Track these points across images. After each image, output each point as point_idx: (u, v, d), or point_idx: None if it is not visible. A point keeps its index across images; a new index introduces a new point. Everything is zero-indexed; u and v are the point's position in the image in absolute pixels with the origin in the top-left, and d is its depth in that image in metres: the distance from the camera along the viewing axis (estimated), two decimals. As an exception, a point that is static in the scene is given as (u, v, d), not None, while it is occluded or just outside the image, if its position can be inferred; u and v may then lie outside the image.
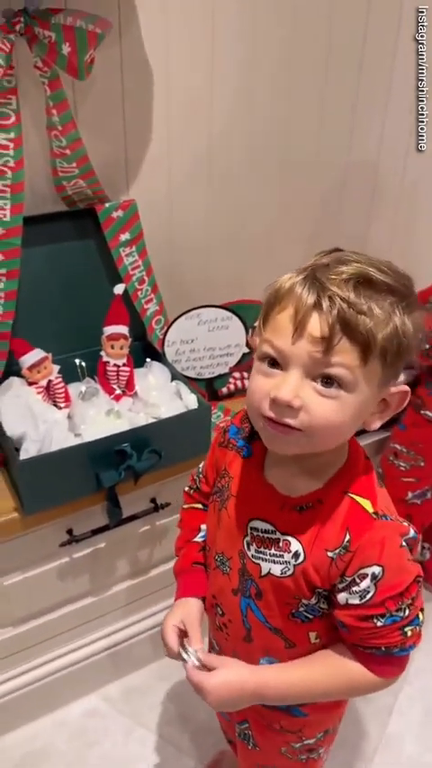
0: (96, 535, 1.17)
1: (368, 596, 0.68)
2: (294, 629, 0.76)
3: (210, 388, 1.35)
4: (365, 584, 0.68)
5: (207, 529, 0.87)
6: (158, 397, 1.17)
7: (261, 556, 0.74)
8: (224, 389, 1.36)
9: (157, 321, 1.27)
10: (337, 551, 0.69)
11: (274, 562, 0.73)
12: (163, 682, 1.42)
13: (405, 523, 0.71)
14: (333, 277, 0.62)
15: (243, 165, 1.32)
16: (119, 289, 1.17)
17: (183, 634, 0.81)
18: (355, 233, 1.56)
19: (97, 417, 1.12)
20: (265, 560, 0.74)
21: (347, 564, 0.68)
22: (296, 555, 0.71)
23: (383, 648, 0.71)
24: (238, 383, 1.37)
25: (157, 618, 1.37)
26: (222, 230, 1.36)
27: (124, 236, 1.18)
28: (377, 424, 0.69)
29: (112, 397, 1.18)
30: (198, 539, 0.89)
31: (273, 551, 0.73)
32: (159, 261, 1.26)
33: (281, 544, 0.72)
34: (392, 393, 0.67)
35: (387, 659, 0.72)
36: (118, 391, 1.19)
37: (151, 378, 1.21)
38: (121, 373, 1.19)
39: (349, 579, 0.69)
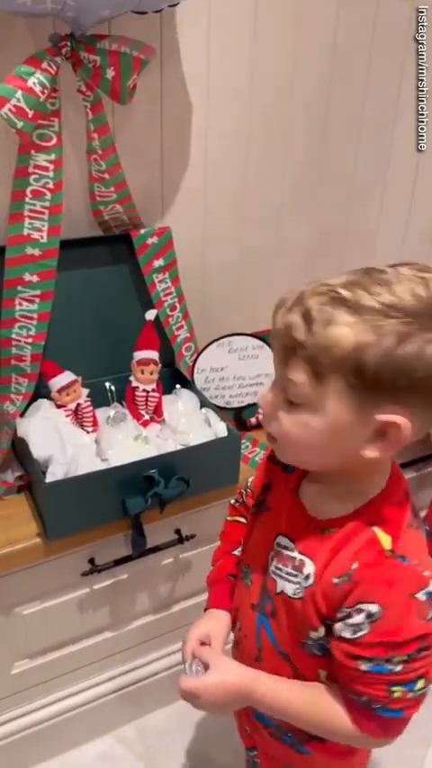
0: (118, 566, 1.13)
1: (359, 634, 0.65)
2: (303, 661, 0.74)
3: (238, 418, 1.32)
4: (359, 619, 0.65)
5: (243, 541, 0.86)
6: (187, 424, 1.15)
7: (279, 572, 0.74)
8: (252, 419, 1.33)
9: (188, 348, 1.26)
10: (342, 579, 0.66)
11: (288, 581, 0.72)
12: (182, 723, 1.35)
13: (428, 574, 0.65)
14: (312, 290, 0.61)
15: (278, 198, 1.32)
16: (150, 314, 1.16)
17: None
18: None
19: (125, 442, 1.10)
20: (281, 577, 0.73)
21: (347, 594, 0.66)
22: (307, 577, 0.70)
23: (365, 699, 0.67)
24: (267, 414, 1.34)
25: (178, 656, 1.32)
26: (255, 260, 1.36)
27: (158, 263, 1.17)
28: (374, 454, 0.63)
29: (141, 422, 1.16)
30: (236, 552, 0.88)
31: (289, 569, 0.72)
32: (191, 288, 1.26)
33: (297, 563, 0.71)
34: (383, 422, 0.60)
35: (367, 713, 0.68)
36: (146, 417, 1.17)
37: (180, 404, 1.19)
38: (150, 399, 1.17)
39: (347, 611, 0.66)
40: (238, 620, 0.83)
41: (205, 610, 0.87)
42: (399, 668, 0.65)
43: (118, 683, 1.30)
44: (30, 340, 1.06)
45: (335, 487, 0.70)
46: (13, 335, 1.05)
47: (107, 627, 1.23)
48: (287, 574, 0.73)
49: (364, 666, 0.66)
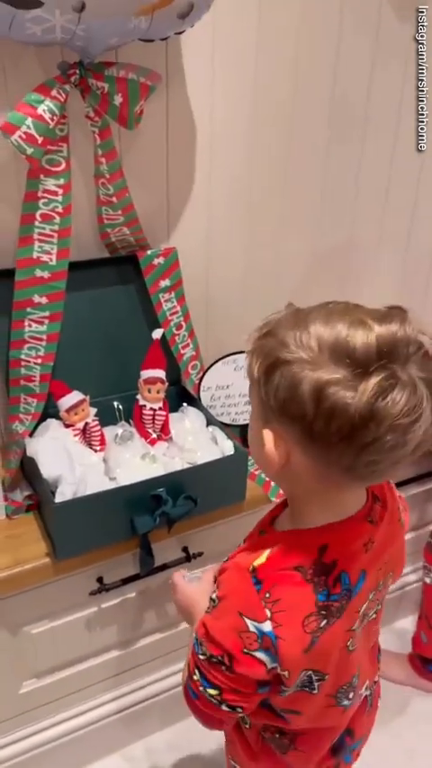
0: (126, 584, 1.14)
1: (207, 610, 0.74)
2: None
3: (244, 435, 1.32)
4: (213, 595, 0.73)
5: None
6: (194, 442, 1.16)
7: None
8: (258, 437, 1.34)
9: (194, 366, 1.27)
10: (224, 563, 0.76)
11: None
12: (190, 741, 1.35)
13: (268, 614, 0.66)
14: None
15: (281, 217, 1.34)
16: (157, 333, 1.17)
17: None
18: (387, 278, 1.56)
19: (132, 461, 1.11)
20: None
21: (219, 573, 0.75)
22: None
23: (188, 659, 0.76)
24: (273, 431, 1.35)
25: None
26: (259, 280, 1.37)
27: (164, 283, 1.19)
28: (265, 468, 0.71)
29: (148, 441, 1.17)
30: None
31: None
32: (197, 307, 1.27)
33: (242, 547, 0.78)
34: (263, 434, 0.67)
35: (187, 672, 0.76)
36: (153, 435, 1.17)
37: (187, 422, 1.20)
38: (156, 417, 1.18)
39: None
40: None
41: None
42: (202, 657, 0.71)
43: (126, 702, 1.30)
44: (39, 360, 1.07)
45: (289, 508, 0.76)
46: (23, 356, 1.06)
47: (115, 645, 1.23)
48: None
49: (193, 634, 0.75)
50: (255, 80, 1.18)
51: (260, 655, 0.67)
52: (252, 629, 0.66)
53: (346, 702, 0.81)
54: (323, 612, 0.68)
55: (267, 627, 0.66)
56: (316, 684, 0.74)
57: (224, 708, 0.71)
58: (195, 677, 0.72)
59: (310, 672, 0.72)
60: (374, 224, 1.47)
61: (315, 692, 0.74)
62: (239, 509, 1.16)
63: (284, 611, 0.66)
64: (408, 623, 1.64)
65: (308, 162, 1.31)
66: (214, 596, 0.72)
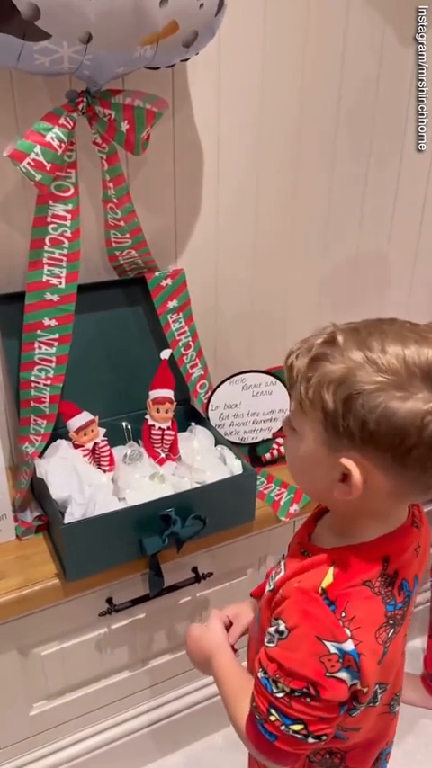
0: (136, 605, 1.13)
1: (270, 645, 0.69)
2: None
3: (253, 454, 1.33)
4: (272, 630, 0.68)
5: None
6: (203, 461, 1.16)
7: (273, 573, 0.78)
8: (267, 455, 1.34)
9: (202, 385, 1.28)
10: (281, 592, 0.70)
11: (272, 578, 0.76)
12: (200, 765, 1.34)
13: (348, 633, 0.64)
14: (326, 328, 0.66)
15: (289, 238, 1.35)
16: (165, 354, 1.18)
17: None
18: (395, 300, 1.56)
19: (141, 481, 1.11)
20: (271, 577, 0.78)
21: (278, 605, 0.70)
22: (272, 583, 0.75)
23: (254, 704, 0.70)
24: (282, 449, 1.35)
25: (195, 696, 1.31)
26: (265, 301, 1.38)
27: (172, 304, 1.20)
28: (340, 495, 0.66)
29: (157, 460, 1.17)
30: None
31: (273, 573, 0.77)
32: (205, 327, 1.28)
33: (278, 569, 0.76)
34: (343, 465, 0.63)
35: (252, 718, 0.70)
36: (162, 455, 1.18)
37: (195, 442, 1.20)
38: (165, 437, 1.18)
39: (272, 620, 0.70)
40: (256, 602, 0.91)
41: (251, 595, 0.95)
42: (279, 695, 0.66)
43: (136, 724, 1.29)
44: (48, 382, 1.08)
45: (332, 522, 0.75)
46: (33, 378, 1.07)
47: (125, 666, 1.22)
48: (273, 575, 0.78)
49: (260, 674, 0.69)
50: (261, 105, 1.20)
51: (343, 675, 0.65)
52: (333, 650, 0.64)
53: (396, 709, 0.80)
54: (391, 622, 0.68)
55: (350, 646, 0.64)
56: (379, 696, 0.73)
57: (310, 740, 0.67)
58: (273, 718, 0.67)
59: (376, 684, 0.70)
60: (384, 234, 1.48)
61: (377, 704, 0.74)
62: (249, 529, 1.16)
63: (360, 627, 0.65)
64: (419, 643, 1.62)
65: (315, 185, 1.33)
66: (282, 628, 0.67)
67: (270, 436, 1.32)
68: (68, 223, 1.01)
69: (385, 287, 1.53)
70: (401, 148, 1.39)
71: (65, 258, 1.02)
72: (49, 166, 0.94)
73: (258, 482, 1.24)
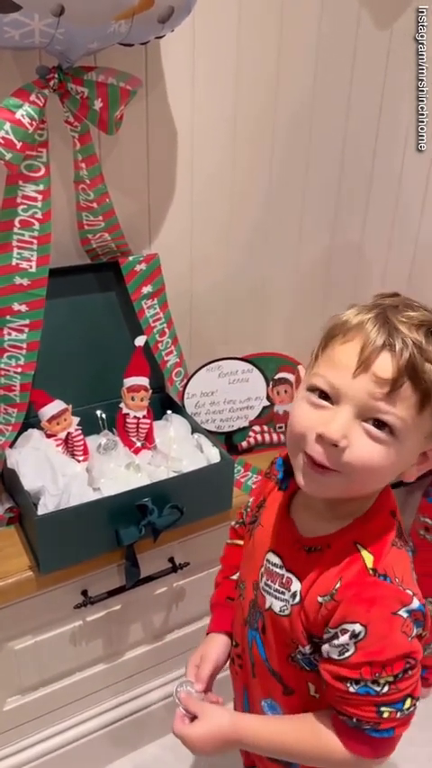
0: (112, 597, 1.12)
1: (346, 654, 0.66)
2: (293, 675, 0.74)
3: (229, 442, 1.32)
4: (345, 639, 0.65)
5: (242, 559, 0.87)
6: (179, 450, 1.14)
7: (268, 589, 0.74)
8: (244, 443, 1.33)
9: (177, 373, 1.26)
10: (325, 598, 0.67)
11: (276, 597, 0.73)
12: (178, 755, 1.33)
13: (410, 592, 0.66)
14: (404, 320, 0.62)
15: (263, 223, 1.33)
16: (140, 341, 1.16)
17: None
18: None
19: (116, 471, 1.09)
20: (270, 594, 0.74)
21: (332, 613, 0.67)
22: (294, 595, 0.71)
23: (355, 720, 0.67)
24: (258, 437, 1.34)
25: (172, 687, 1.30)
26: (242, 285, 1.36)
27: (146, 289, 1.17)
28: (414, 476, 0.68)
29: (132, 449, 1.15)
30: (235, 576, 0.89)
31: (277, 586, 0.73)
32: (180, 314, 1.26)
33: (284, 580, 0.72)
34: None
35: (359, 735, 0.68)
36: (138, 444, 1.16)
37: (171, 430, 1.18)
38: (140, 426, 1.16)
39: (333, 631, 0.66)
40: (233, 636, 0.85)
41: (207, 633, 0.89)
42: (385, 689, 0.65)
43: (113, 716, 1.27)
44: (19, 370, 1.04)
45: (326, 507, 0.71)
46: (2, 365, 1.04)
47: (101, 659, 1.20)
48: (275, 591, 0.74)
49: (351, 688, 0.66)
50: (235, 84, 1.17)
51: (416, 630, 0.67)
52: (405, 615, 0.65)
53: None
54: (413, 566, 0.71)
55: (416, 603, 0.66)
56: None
57: (415, 706, 0.68)
58: (386, 714, 0.66)
59: None
60: (359, 219, 1.47)
61: None
62: (226, 517, 1.15)
63: (410, 582, 0.68)
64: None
65: (291, 167, 1.31)
66: (357, 630, 0.64)
67: (246, 424, 1.31)
68: (39, 204, 0.97)
69: (370, 253, 1.52)
70: (404, 148, 1.38)
71: (35, 241, 0.99)
72: (19, 145, 0.90)
73: (235, 470, 1.23)
